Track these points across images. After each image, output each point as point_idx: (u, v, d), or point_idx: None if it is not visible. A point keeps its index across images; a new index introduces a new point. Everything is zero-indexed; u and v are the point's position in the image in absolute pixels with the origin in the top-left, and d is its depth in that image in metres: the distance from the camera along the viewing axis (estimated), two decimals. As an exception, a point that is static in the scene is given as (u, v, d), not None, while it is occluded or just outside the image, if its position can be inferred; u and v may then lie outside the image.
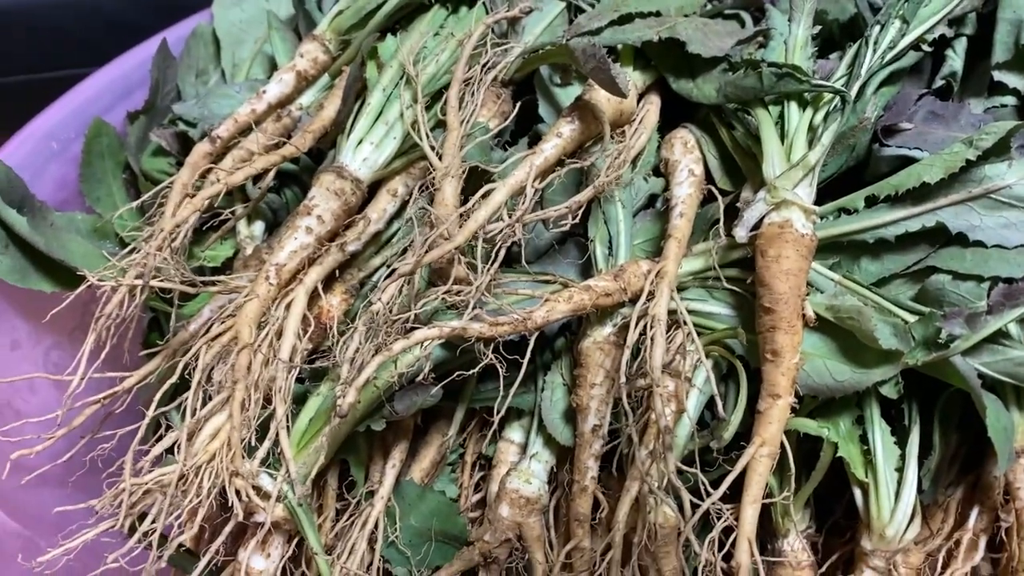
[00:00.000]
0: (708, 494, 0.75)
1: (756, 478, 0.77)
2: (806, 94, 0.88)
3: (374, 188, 0.93)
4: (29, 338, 1.00)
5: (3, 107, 1.70)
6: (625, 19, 0.95)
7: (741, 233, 0.80)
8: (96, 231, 1.05)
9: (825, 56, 1.04)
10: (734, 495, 0.77)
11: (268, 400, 0.81)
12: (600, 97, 0.89)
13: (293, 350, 0.82)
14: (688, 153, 0.93)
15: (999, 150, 0.82)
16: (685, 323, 0.80)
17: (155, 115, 1.13)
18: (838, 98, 0.86)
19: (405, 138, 0.92)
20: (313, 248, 0.86)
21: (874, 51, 0.88)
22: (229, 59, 1.18)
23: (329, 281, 0.90)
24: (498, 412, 0.81)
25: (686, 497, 0.74)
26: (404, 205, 0.93)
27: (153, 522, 0.75)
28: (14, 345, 0.98)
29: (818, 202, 0.86)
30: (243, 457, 0.78)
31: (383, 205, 0.91)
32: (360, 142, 0.90)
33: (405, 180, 0.93)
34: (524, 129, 1.00)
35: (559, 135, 0.88)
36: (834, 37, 1.08)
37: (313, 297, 0.86)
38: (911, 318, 0.81)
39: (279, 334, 0.82)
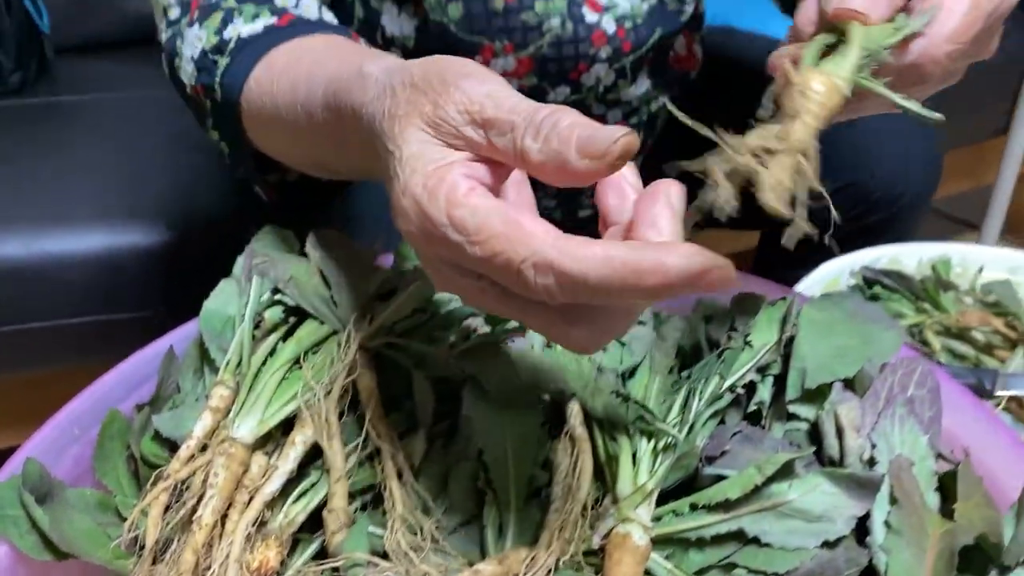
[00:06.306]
0: None
1: None
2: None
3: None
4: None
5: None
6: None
7: (596, 539, 1.11)
8: (100, 504, 1.32)
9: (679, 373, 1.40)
10: None
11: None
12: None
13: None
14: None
15: (782, 474, 1.15)
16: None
17: (157, 406, 1.42)
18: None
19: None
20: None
21: (699, 400, 1.24)
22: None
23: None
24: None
25: None
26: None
27: None
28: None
29: (660, 502, 1.18)
30: None
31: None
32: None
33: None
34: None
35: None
36: (686, 360, 1.45)
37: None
38: (724, 603, 1.11)
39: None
